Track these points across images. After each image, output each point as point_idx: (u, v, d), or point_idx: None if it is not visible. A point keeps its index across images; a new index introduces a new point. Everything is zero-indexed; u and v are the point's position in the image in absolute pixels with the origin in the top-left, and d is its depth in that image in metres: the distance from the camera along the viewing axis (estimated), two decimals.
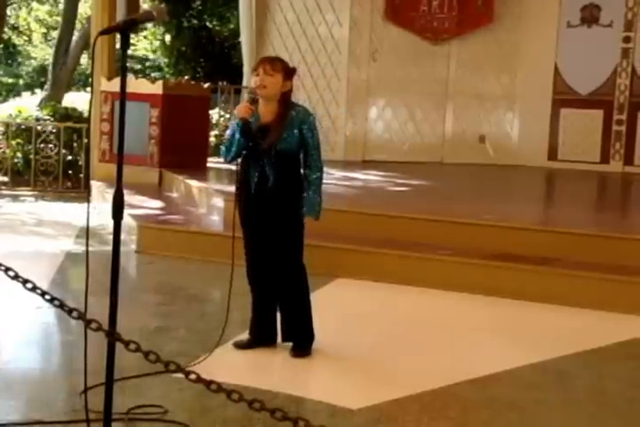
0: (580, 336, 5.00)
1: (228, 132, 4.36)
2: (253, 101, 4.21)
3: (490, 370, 4.24)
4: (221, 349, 4.30)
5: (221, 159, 4.55)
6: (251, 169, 4.28)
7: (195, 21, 17.04)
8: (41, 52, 26.05)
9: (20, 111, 11.59)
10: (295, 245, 4.34)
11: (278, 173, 4.24)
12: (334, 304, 5.38)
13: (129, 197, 5.67)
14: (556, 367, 4.40)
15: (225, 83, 11.86)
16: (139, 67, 24.36)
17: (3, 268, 2.79)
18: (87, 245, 3.17)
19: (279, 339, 4.44)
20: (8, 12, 20.68)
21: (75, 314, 2.59)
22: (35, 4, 25.28)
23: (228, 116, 12.02)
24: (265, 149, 4.23)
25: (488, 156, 11.27)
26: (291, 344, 4.40)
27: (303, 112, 4.29)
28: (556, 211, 7.82)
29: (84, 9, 20.73)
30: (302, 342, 4.38)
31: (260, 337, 4.44)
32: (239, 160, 4.33)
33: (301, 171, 4.32)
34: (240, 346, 4.41)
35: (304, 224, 4.35)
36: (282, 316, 4.42)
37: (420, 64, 11.12)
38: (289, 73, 4.27)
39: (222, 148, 4.35)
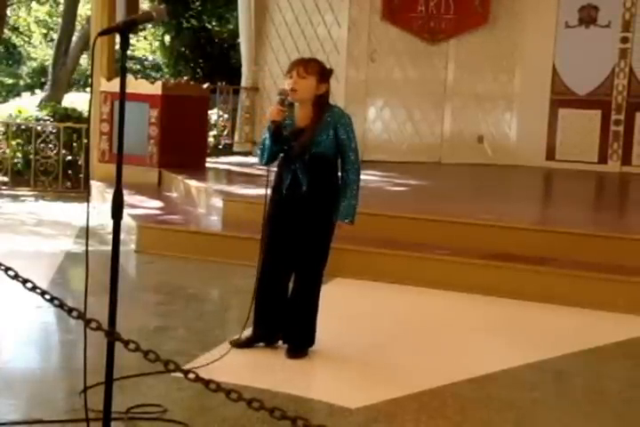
0: (578, 336, 5.00)
1: (263, 134, 4.25)
2: (285, 104, 4.10)
3: (488, 369, 4.26)
4: (220, 348, 4.31)
5: (257, 160, 4.38)
6: (284, 173, 4.21)
7: (194, 22, 17.02)
8: (41, 53, 26.03)
9: (19, 111, 11.58)
10: (320, 253, 4.28)
11: (311, 178, 4.17)
12: (333, 304, 5.36)
13: (128, 197, 5.69)
14: (553, 367, 4.41)
15: (224, 83, 11.86)
16: (138, 67, 24.34)
17: (3, 267, 2.80)
18: (87, 245, 3.19)
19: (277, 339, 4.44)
20: (8, 13, 20.65)
21: (74, 314, 2.60)
22: (34, 5, 25.24)
23: (226, 116, 12.03)
24: (298, 153, 4.15)
25: (486, 156, 11.27)
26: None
27: (338, 113, 4.19)
28: (555, 211, 7.82)
29: (83, 10, 20.73)
30: (300, 345, 4.35)
31: (262, 334, 4.42)
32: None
33: (338, 175, 4.22)
34: (238, 345, 4.39)
35: (333, 232, 4.28)
36: (288, 317, 4.37)
37: (419, 64, 11.12)
38: (324, 75, 4.16)
39: (258, 151, 4.25)
